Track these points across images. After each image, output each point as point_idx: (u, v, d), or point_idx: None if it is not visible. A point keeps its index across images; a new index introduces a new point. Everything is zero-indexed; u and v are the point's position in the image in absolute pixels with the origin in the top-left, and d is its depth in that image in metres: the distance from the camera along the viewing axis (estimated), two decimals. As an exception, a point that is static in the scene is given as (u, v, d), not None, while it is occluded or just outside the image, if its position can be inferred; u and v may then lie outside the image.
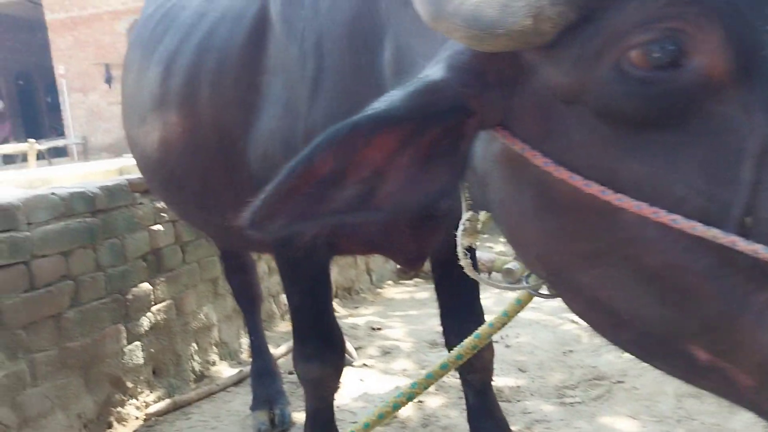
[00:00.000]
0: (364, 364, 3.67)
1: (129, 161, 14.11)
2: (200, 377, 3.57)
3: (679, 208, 0.75)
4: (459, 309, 2.18)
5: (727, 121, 0.75)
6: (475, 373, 2.22)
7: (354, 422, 2.99)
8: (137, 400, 3.15)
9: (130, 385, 3.12)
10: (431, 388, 2.31)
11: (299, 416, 2.96)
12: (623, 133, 0.79)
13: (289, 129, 1.76)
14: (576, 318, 1.00)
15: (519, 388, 3.26)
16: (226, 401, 3.31)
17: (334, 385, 2.17)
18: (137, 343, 3.18)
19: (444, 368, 1.63)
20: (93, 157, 17.55)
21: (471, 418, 2.30)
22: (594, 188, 0.80)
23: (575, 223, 0.86)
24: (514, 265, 5.83)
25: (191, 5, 2.24)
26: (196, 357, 3.58)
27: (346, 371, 3.42)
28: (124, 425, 3.04)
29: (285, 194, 0.90)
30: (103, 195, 3.04)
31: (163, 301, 3.37)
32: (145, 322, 3.24)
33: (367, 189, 0.93)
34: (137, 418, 3.10)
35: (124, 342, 3.11)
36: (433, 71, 0.91)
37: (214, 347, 3.72)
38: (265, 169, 1.85)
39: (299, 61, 1.73)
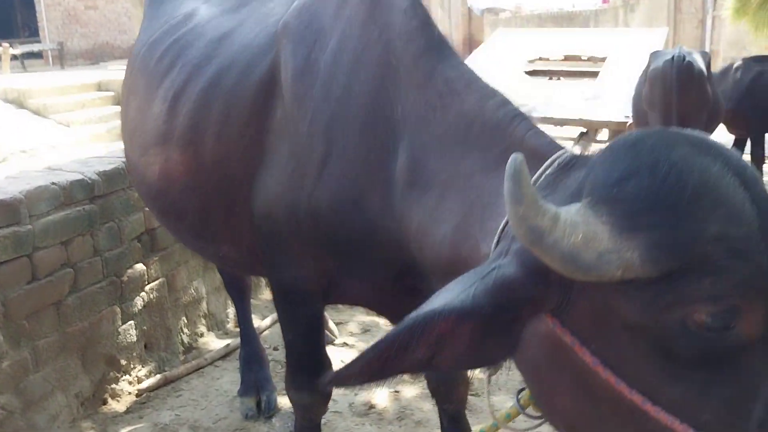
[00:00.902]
0: (345, 343, 3.87)
1: (107, 73, 13.73)
2: (189, 349, 3.74)
3: (702, 429, 0.97)
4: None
5: (752, 369, 0.99)
6: (451, 404, 2.41)
7: (337, 411, 3.22)
8: (130, 375, 3.32)
9: (123, 362, 3.27)
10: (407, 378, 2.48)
11: (284, 400, 3.15)
12: (670, 363, 1.00)
13: (295, 199, 1.85)
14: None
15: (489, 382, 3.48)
16: (214, 378, 3.50)
17: (322, 410, 2.35)
18: (131, 322, 3.32)
19: None
20: (69, 64, 17.05)
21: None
22: (636, 397, 1.01)
23: (607, 412, 1.06)
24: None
25: (199, 42, 2.25)
26: (185, 330, 3.73)
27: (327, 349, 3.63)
28: (118, 401, 3.21)
29: (365, 366, 1.08)
30: (101, 181, 3.09)
31: (157, 279, 3.49)
32: (139, 301, 3.37)
33: (431, 353, 1.09)
34: (130, 393, 3.27)
35: (119, 322, 3.24)
36: (507, 267, 1.09)
37: (202, 319, 3.88)
38: (268, 227, 1.97)
39: (307, 140, 1.81)
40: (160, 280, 3.51)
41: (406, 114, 1.66)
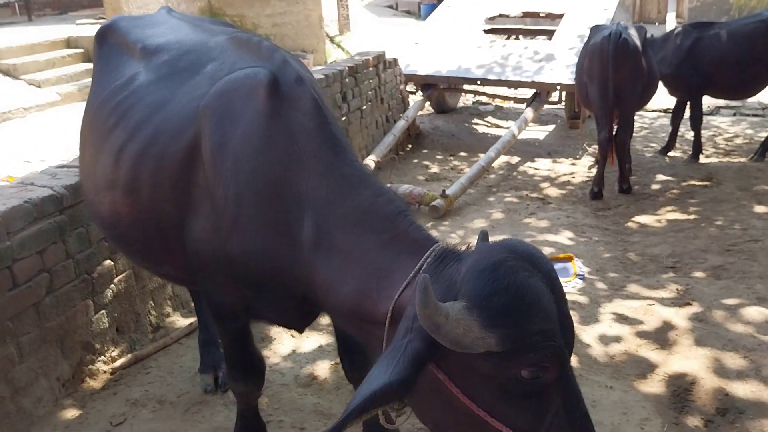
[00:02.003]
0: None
1: (76, 29, 13.64)
2: (157, 329, 4.24)
3: (514, 427, 1.69)
4: (356, 348, 2.84)
5: (548, 397, 1.70)
6: None
7: (283, 383, 3.76)
8: (105, 356, 3.83)
9: (98, 346, 3.78)
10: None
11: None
12: (503, 393, 1.68)
13: (214, 246, 2.34)
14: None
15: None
16: (179, 355, 4.02)
17: (256, 396, 2.89)
18: (103, 311, 3.80)
19: None
20: (36, 14, 16.85)
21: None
22: (481, 412, 1.69)
23: (461, 419, 1.74)
24: (439, 202, 6.52)
25: (138, 106, 2.66)
26: (153, 312, 4.23)
27: (278, 329, 4.14)
28: (95, 380, 3.73)
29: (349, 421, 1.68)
30: (69, 194, 3.50)
31: (124, 272, 3.95)
32: (109, 293, 3.84)
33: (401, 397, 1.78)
34: (105, 372, 3.79)
35: (92, 313, 3.72)
36: (416, 342, 1.69)
37: (168, 301, 4.37)
38: (197, 262, 2.46)
39: (222, 202, 2.27)
40: (127, 272, 3.98)
41: (311, 192, 2.14)
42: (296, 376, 3.79)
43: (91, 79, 3.27)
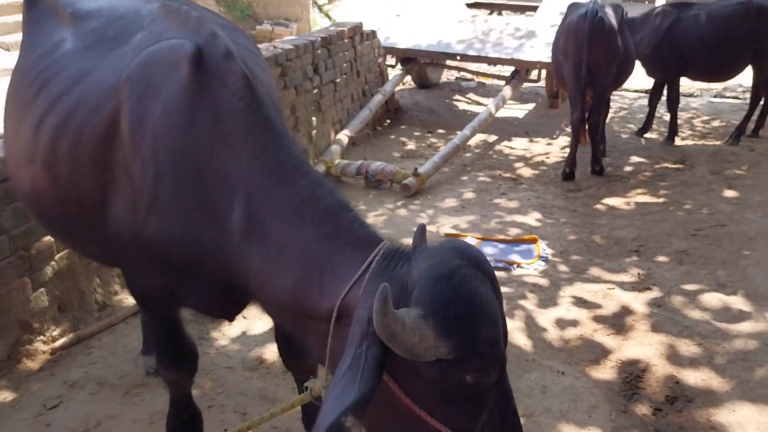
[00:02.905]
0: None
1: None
2: (103, 307, 4.12)
3: (452, 427, 1.68)
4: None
5: (485, 397, 1.70)
6: (301, 374, 2.84)
7: (229, 367, 3.67)
8: (44, 336, 3.71)
9: (36, 325, 3.66)
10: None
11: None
12: (445, 396, 1.67)
13: (134, 227, 2.19)
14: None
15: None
16: (124, 335, 3.91)
17: (188, 384, 2.77)
18: (42, 289, 3.67)
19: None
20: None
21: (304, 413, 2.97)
22: (423, 413, 1.68)
23: (400, 418, 1.72)
24: (411, 181, 6.41)
25: (60, 75, 2.49)
26: (98, 290, 4.11)
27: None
28: (32, 360, 3.61)
29: None
30: (3, 166, 3.35)
31: (66, 248, 3.82)
32: (49, 270, 3.71)
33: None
34: (44, 352, 3.68)
35: (30, 291, 3.60)
36: (374, 347, 1.62)
37: (116, 278, 4.24)
38: (118, 244, 2.31)
39: (140, 181, 2.13)
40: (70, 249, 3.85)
41: (241, 176, 1.99)
42: (243, 360, 3.70)
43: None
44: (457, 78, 11.22)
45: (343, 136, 7.31)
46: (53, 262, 3.74)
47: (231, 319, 2.56)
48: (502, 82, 9.97)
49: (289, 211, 1.94)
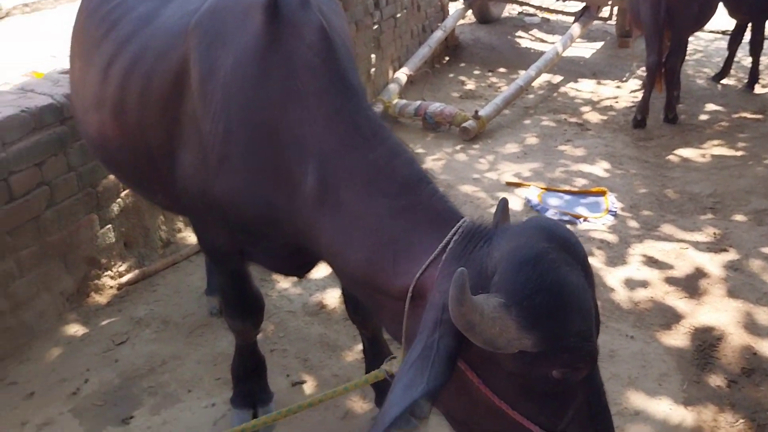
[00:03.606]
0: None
1: None
2: (167, 244, 4.15)
3: (540, 426, 1.55)
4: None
5: (574, 394, 1.56)
6: (367, 330, 2.80)
7: (291, 311, 3.66)
8: (111, 271, 3.76)
9: (104, 260, 3.70)
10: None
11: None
12: (527, 390, 1.55)
13: (203, 184, 2.11)
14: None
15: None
16: (188, 273, 3.94)
17: (253, 334, 2.76)
18: (109, 226, 3.70)
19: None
20: None
21: (365, 356, 2.95)
22: (503, 405, 1.56)
23: (481, 410, 1.62)
24: (470, 124, 6.21)
25: (127, 17, 2.38)
26: (163, 227, 4.12)
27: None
28: (100, 294, 3.68)
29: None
30: (70, 103, 3.31)
31: (131, 186, 3.81)
32: (115, 207, 3.73)
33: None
34: (111, 287, 3.73)
35: (98, 227, 3.62)
36: (448, 337, 1.51)
37: (179, 216, 4.25)
38: (186, 199, 2.24)
39: (210, 137, 2.02)
40: (135, 186, 3.83)
41: (315, 139, 1.85)
42: (304, 304, 3.69)
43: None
44: (520, 13, 10.72)
45: (402, 74, 7.09)
46: (119, 200, 3.74)
47: (301, 277, 2.51)
48: (569, 19, 9.49)
49: (364, 180, 1.81)
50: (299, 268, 2.33)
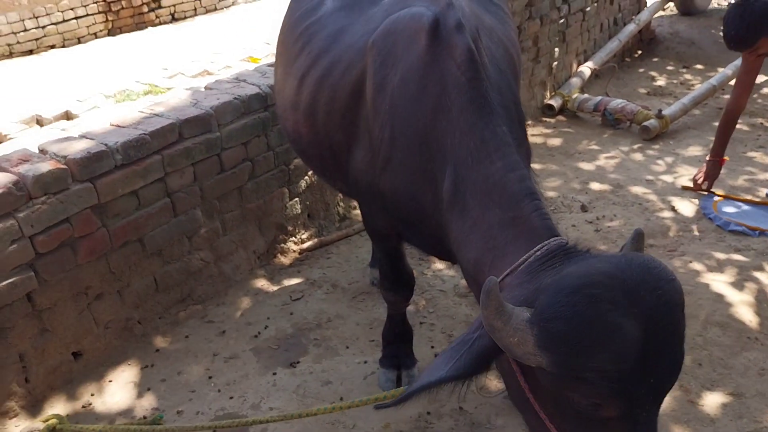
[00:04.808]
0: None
1: None
2: (343, 218, 4.70)
3: None
4: None
5: (610, 428, 1.58)
6: None
7: (442, 290, 4.01)
8: (295, 238, 4.37)
9: (290, 228, 4.32)
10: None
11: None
12: (562, 406, 1.63)
13: (370, 177, 2.50)
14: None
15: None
16: (357, 246, 4.44)
17: (404, 306, 3.15)
18: (296, 198, 4.30)
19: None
20: None
21: None
22: (542, 414, 1.69)
23: (529, 408, 1.75)
24: (652, 123, 6.09)
25: (321, 34, 2.82)
26: (340, 204, 4.67)
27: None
28: (285, 257, 4.30)
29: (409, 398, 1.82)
30: (272, 92, 3.92)
31: (317, 165, 4.38)
32: (303, 183, 4.31)
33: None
34: (294, 251, 4.35)
35: (287, 199, 4.24)
36: (485, 339, 1.68)
37: (355, 195, 4.77)
38: (356, 189, 2.66)
39: (378, 140, 2.40)
40: (320, 166, 4.40)
41: (453, 149, 2.13)
42: (455, 285, 4.02)
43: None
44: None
45: (586, 68, 7.06)
46: (306, 177, 4.33)
47: (454, 262, 2.83)
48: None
49: (482, 191, 2.02)
50: (446, 255, 2.65)
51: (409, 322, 3.30)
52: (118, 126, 3.45)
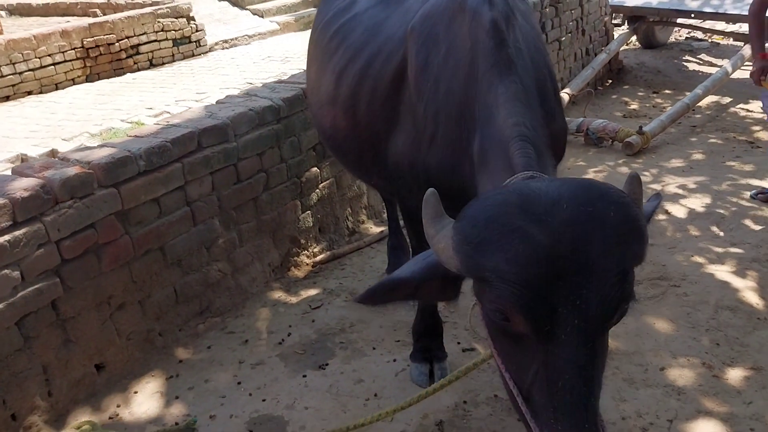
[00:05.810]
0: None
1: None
2: (352, 233, 4.73)
3: (506, 368, 1.63)
4: None
5: (530, 349, 1.52)
6: None
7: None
8: (308, 251, 4.38)
9: (303, 241, 4.33)
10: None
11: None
12: (498, 331, 1.61)
13: (413, 158, 2.57)
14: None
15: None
16: (370, 257, 4.47)
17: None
18: (308, 211, 4.33)
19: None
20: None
21: None
22: (489, 339, 1.70)
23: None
24: (634, 139, 6.32)
25: (357, 29, 2.93)
26: (350, 218, 4.71)
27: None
28: (299, 269, 4.30)
29: (370, 296, 1.82)
30: (285, 106, 4.00)
31: (328, 179, 4.45)
32: (314, 196, 4.36)
33: (412, 293, 1.83)
34: (308, 264, 4.35)
35: (299, 212, 4.26)
36: (433, 257, 1.71)
37: (363, 210, 4.83)
38: (397, 172, 2.72)
39: (422, 120, 2.49)
40: (330, 179, 4.47)
41: (480, 112, 2.22)
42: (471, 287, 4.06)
43: (305, 11, 3.63)
44: (687, 38, 10.53)
45: (564, 94, 7.32)
46: (317, 190, 4.37)
47: None
48: (740, 43, 9.21)
49: (495, 142, 2.06)
50: None
51: (439, 315, 3.32)
52: (137, 136, 3.48)
